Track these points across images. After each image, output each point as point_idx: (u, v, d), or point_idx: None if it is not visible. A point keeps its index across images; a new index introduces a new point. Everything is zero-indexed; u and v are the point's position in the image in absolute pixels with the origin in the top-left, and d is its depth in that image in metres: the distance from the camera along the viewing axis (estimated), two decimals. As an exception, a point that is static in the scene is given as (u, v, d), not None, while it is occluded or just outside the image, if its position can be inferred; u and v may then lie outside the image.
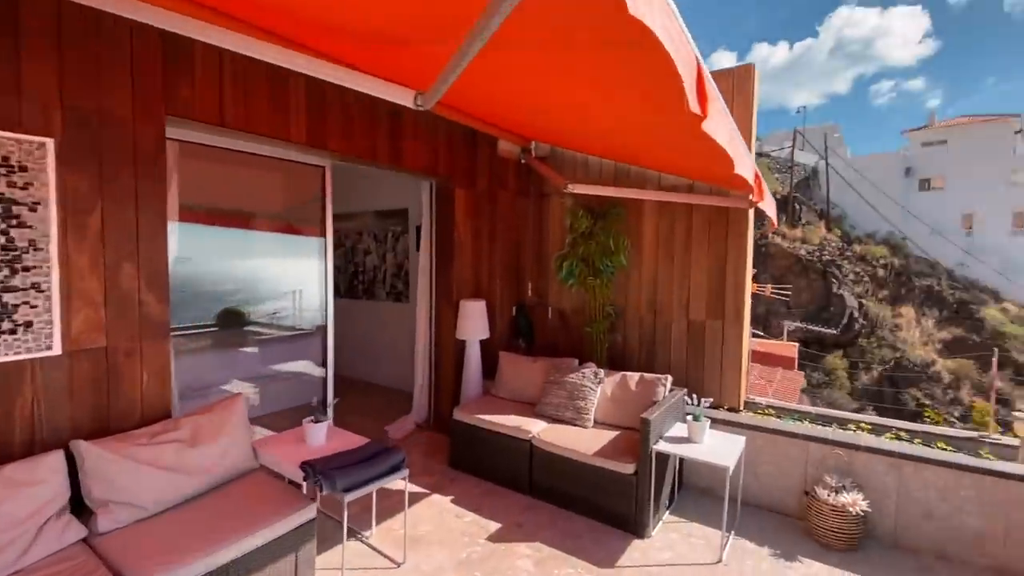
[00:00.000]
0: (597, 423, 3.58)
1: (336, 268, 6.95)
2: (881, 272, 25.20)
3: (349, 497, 2.31)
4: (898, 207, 26.21)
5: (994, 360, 3.64)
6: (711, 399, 3.25)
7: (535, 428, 3.48)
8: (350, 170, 6.68)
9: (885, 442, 3.08)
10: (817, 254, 24.14)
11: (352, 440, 2.85)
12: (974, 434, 3.21)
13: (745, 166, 2.16)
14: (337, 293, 6.87)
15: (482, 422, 3.63)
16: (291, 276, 5.15)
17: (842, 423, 3.57)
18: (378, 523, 3.05)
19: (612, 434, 3.38)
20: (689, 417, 3.09)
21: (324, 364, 3.84)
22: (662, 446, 2.96)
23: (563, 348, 4.58)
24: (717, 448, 2.96)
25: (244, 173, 3.66)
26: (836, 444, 3.09)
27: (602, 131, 3.06)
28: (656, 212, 4.08)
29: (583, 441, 3.26)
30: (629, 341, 4.21)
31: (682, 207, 3.94)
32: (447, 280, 4.47)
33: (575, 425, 3.53)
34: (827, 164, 26.95)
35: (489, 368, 4.47)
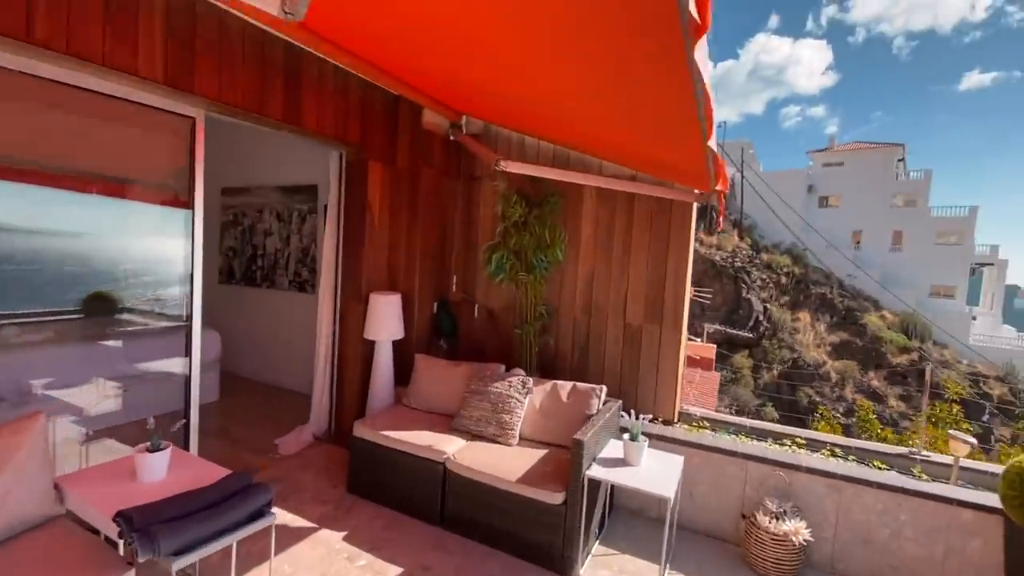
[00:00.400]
0: (523, 439, 3.13)
1: (231, 250, 5.99)
2: (784, 279, 27.30)
3: (179, 563, 1.67)
4: (800, 220, 28.50)
5: (927, 372, 3.62)
6: (649, 415, 2.93)
7: (451, 447, 2.96)
8: (247, 135, 5.75)
9: (826, 462, 2.89)
10: (730, 260, 25.74)
11: (206, 472, 2.17)
12: (905, 451, 3.12)
13: (713, 138, 1.78)
14: (231, 278, 5.92)
15: (387, 440, 3.06)
16: (181, 257, 4.29)
17: (777, 437, 3.39)
18: (242, 575, 2.40)
19: (540, 453, 2.95)
20: (625, 436, 2.72)
21: (188, 369, 3.06)
22: (596, 471, 2.56)
23: (491, 351, 4.09)
24: (655, 472, 2.61)
25: (89, 122, 2.79)
26: (777, 464, 2.87)
27: (550, 90, 2.58)
28: (596, 203, 3.70)
29: (506, 463, 2.79)
30: (562, 345, 3.81)
31: (624, 199, 3.58)
32: (356, 270, 3.82)
33: (498, 443, 3.06)
34: (743, 177, 28.68)
35: (403, 373, 3.88)
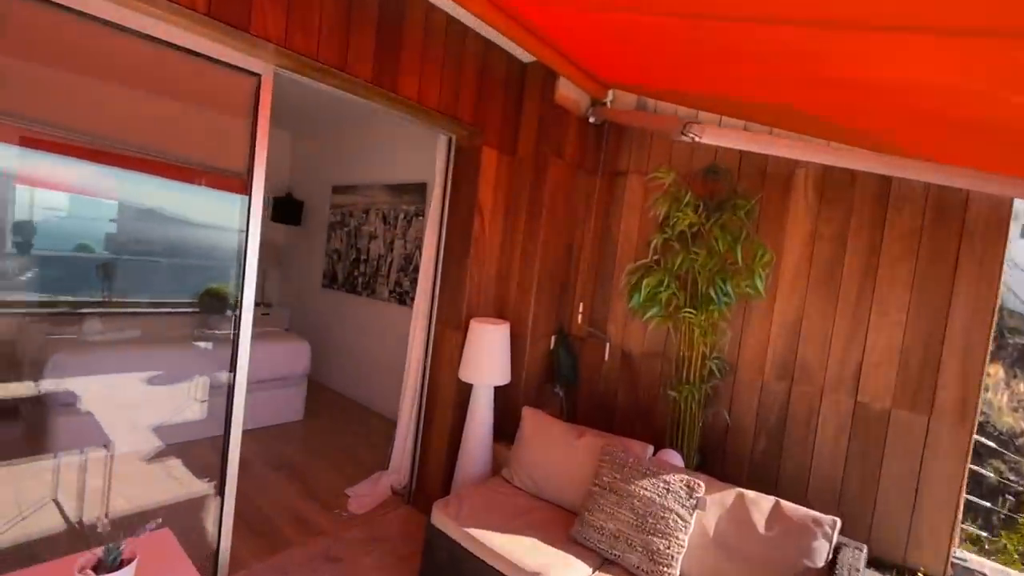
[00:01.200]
0: (685, 582, 1.95)
1: (335, 252, 5.57)
2: (971, 324, 22.09)
3: None
4: (1000, 252, 22.91)
5: None
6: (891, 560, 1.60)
7: (570, 580, 1.88)
8: (360, 128, 5.28)
9: None
10: (897, 296, 21.46)
11: (182, 612, 1.34)
12: None
13: None
14: (333, 283, 5.49)
15: (475, 544, 2.06)
16: (236, 255, 3.89)
17: None
18: None
19: (718, 622, 1.74)
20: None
21: (231, 389, 2.33)
22: None
23: (624, 414, 2.95)
24: None
25: (145, 89, 2.24)
26: None
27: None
28: (813, 211, 2.40)
29: (664, 639, 1.64)
30: (740, 424, 2.55)
31: (868, 204, 2.25)
32: (456, 287, 2.94)
33: (644, 583, 1.91)
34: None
35: (506, 427, 2.91)
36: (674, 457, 2.35)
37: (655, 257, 2.64)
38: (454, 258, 2.97)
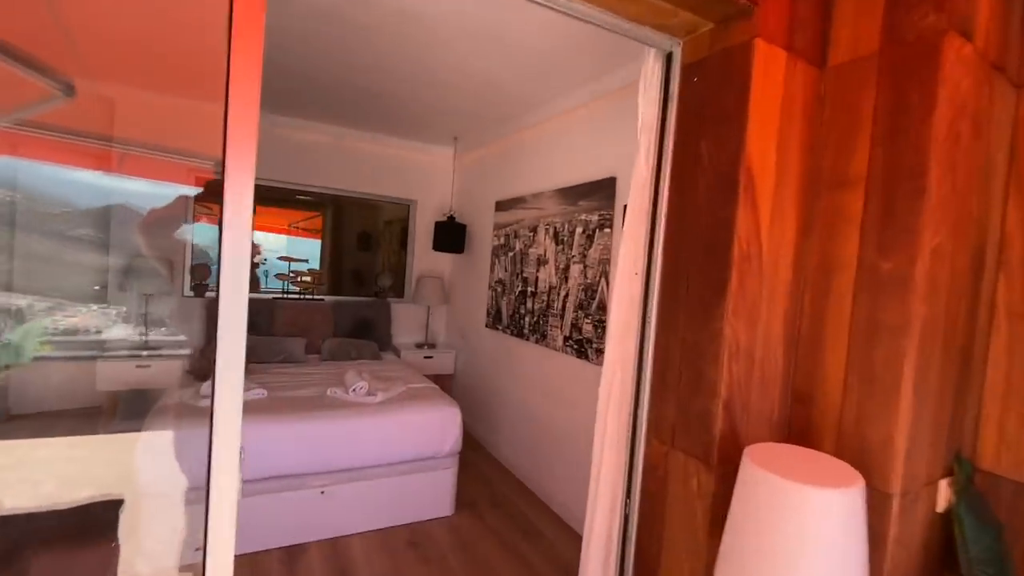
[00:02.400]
0: None
1: (499, 283, 4.45)
2: None
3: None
4: None
5: None
6: None
7: None
8: (521, 119, 4.01)
9: None
10: None
11: None
12: None
13: None
14: (497, 323, 4.35)
15: None
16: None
17: None
18: None
19: None
20: None
21: (204, 519, 1.07)
22: None
23: None
24: None
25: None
26: None
27: None
28: None
29: None
30: None
31: None
32: (694, 366, 1.34)
33: None
34: None
35: None
36: None
37: None
38: (688, 299, 1.39)
